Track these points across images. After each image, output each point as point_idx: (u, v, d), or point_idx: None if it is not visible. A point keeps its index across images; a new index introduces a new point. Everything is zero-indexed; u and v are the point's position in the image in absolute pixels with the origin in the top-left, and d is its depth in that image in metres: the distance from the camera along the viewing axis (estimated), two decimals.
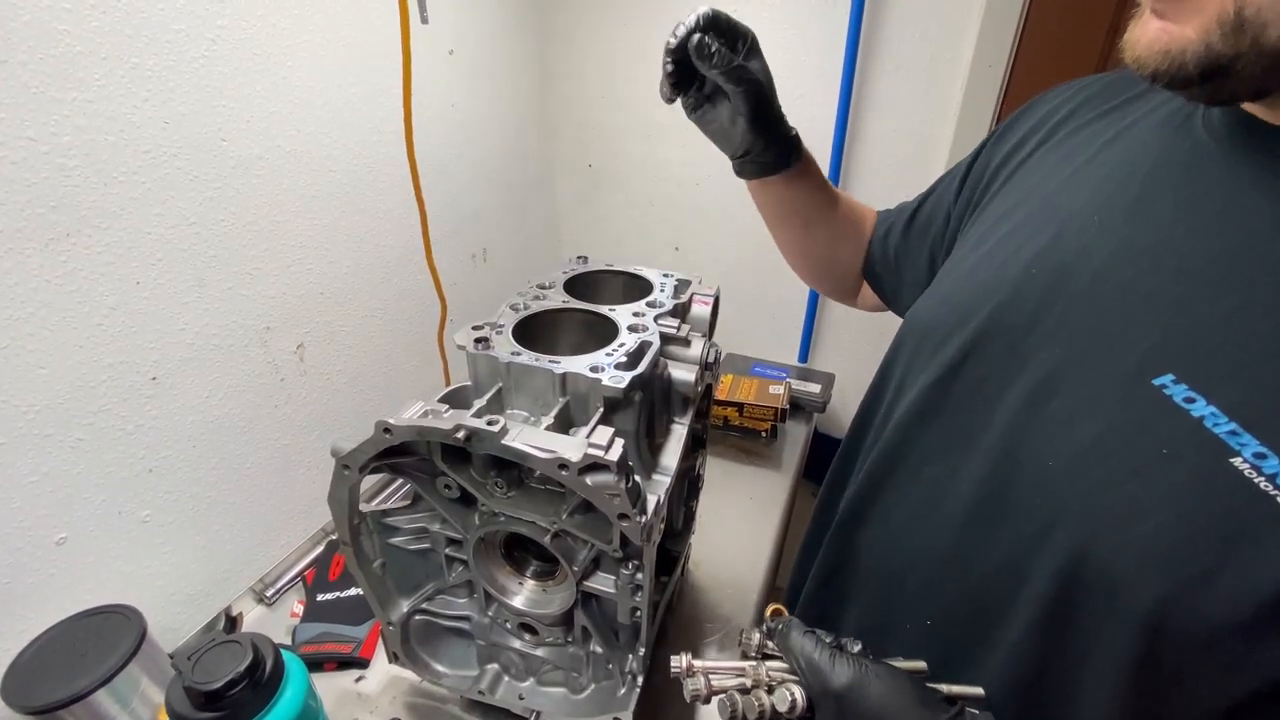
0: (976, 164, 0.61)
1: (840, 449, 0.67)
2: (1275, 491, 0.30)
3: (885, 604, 0.56)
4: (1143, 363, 0.36)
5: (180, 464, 0.76)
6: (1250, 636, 0.31)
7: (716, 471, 1.12)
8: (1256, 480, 0.31)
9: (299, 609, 0.84)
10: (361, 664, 0.78)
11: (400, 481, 1.00)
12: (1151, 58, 0.33)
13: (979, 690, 0.40)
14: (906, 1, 1.05)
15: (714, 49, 0.53)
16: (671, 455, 0.61)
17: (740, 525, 1.01)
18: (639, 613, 0.58)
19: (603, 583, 0.59)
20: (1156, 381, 0.35)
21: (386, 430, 0.51)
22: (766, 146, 0.64)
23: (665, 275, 0.73)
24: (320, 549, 0.94)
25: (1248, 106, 0.36)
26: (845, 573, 0.61)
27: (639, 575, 0.56)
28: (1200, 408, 0.33)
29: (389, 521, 0.63)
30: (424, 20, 0.97)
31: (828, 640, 0.41)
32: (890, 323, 1.42)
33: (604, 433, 0.48)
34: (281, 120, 0.78)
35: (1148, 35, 0.33)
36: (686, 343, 0.64)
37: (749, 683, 0.42)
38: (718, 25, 0.55)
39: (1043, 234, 0.44)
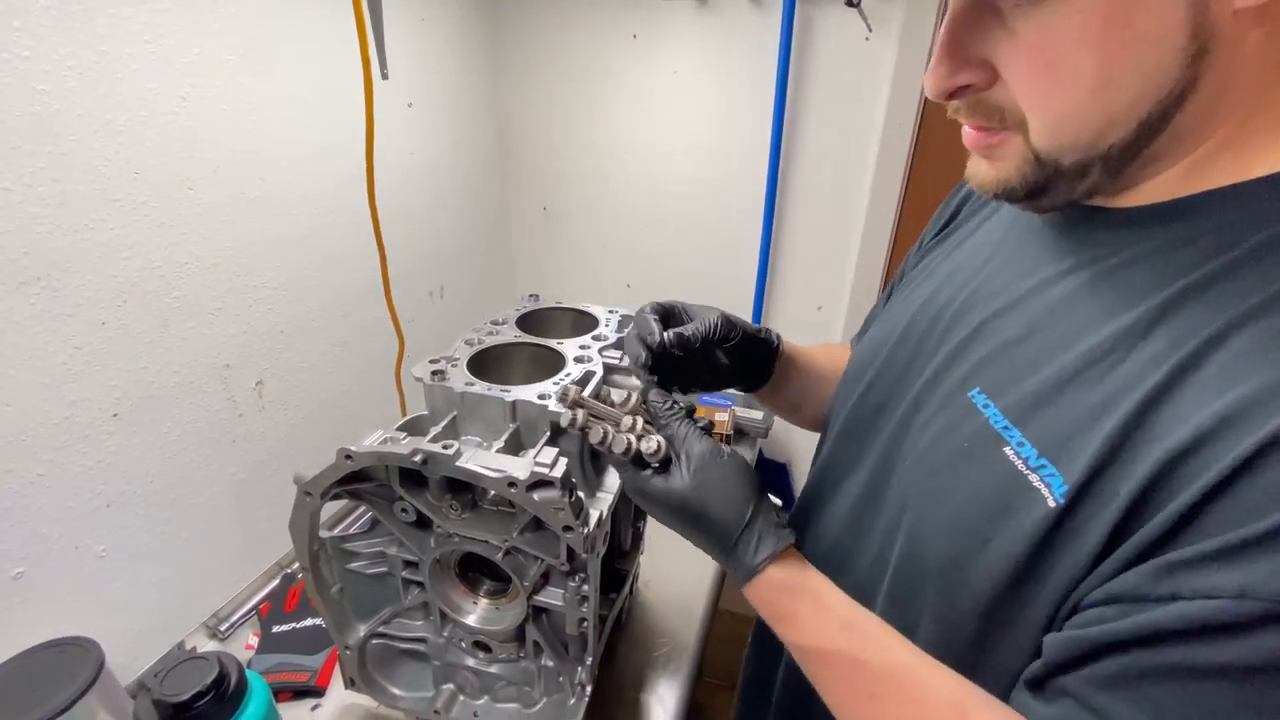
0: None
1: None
2: (1028, 472, 0.38)
3: None
4: (965, 379, 0.45)
5: (138, 499, 0.77)
6: (1016, 590, 0.38)
7: None
8: (1017, 464, 0.39)
9: (254, 641, 0.85)
10: (318, 693, 0.80)
11: (359, 513, 1.02)
12: (988, 187, 0.43)
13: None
14: (826, 72, 1.18)
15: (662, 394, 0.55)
16: (614, 475, 0.67)
17: (687, 545, 1.06)
18: (585, 623, 0.62)
19: (552, 596, 0.63)
20: (969, 394, 0.44)
21: (348, 456, 0.56)
22: (736, 375, 0.68)
23: (611, 311, 0.80)
24: (275, 583, 0.95)
25: None
26: None
27: (585, 587, 0.61)
28: (989, 411, 0.42)
29: (347, 547, 0.66)
30: (384, 76, 1.04)
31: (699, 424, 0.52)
32: None
33: (549, 453, 0.53)
34: (247, 168, 0.83)
35: (981, 172, 0.43)
36: (628, 373, 0.71)
37: (624, 426, 0.51)
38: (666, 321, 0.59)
39: (926, 290, 0.55)
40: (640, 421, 0.52)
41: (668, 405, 0.52)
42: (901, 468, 0.49)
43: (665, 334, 0.56)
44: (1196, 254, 0.36)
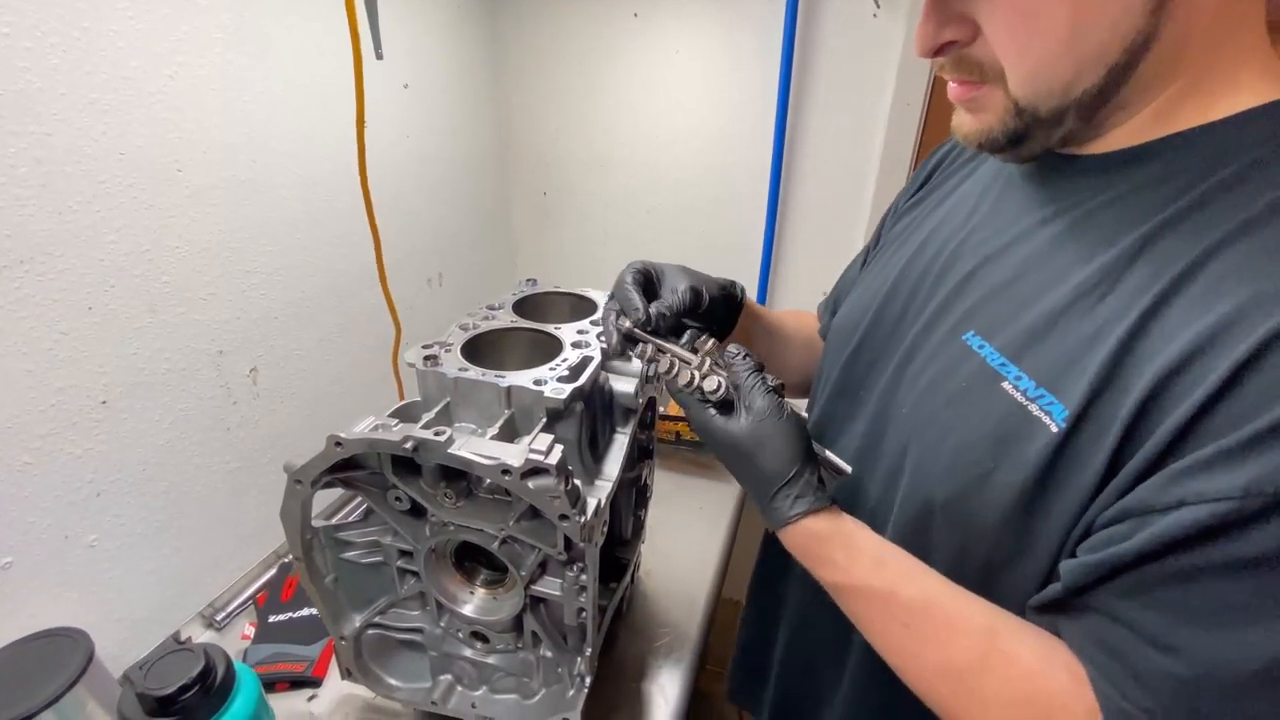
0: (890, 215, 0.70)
1: None
2: (1028, 403, 0.40)
3: None
4: (958, 324, 0.48)
5: (129, 488, 0.76)
6: (1025, 516, 0.40)
7: (668, 484, 1.16)
8: (1016, 396, 0.41)
9: (250, 631, 0.84)
10: (314, 683, 0.78)
11: (356, 501, 1.01)
12: (972, 137, 0.45)
13: (848, 468, 0.53)
14: (832, 52, 1.15)
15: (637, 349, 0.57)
16: (613, 463, 0.65)
17: (690, 535, 1.05)
18: (584, 613, 0.61)
19: (549, 586, 0.62)
20: (964, 337, 0.47)
21: (338, 443, 0.54)
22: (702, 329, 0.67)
23: (610, 296, 0.78)
24: (272, 572, 0.94)
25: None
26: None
27: (583, 576, 0.59)
28: (985, 350, 0.44)
29: (341, 536, 0.65)
30: (379, 56, 1.02)
31: (769, 381, 0.53)
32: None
33: (544, 439, 0.52)
34: (237, 150, 0.81)
35: (965, 124, 0.46)
36: (628, 358, 0.69)
37: (692, 364, 0.53)
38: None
39: (911, 246, 0.57)
40: (709, 363, 0.53)
41: (741, 356, 0.54)
42: (899, 416, 0.51)
43: (651, 309, 0.57)
44: (1169, 192, 0.39)
